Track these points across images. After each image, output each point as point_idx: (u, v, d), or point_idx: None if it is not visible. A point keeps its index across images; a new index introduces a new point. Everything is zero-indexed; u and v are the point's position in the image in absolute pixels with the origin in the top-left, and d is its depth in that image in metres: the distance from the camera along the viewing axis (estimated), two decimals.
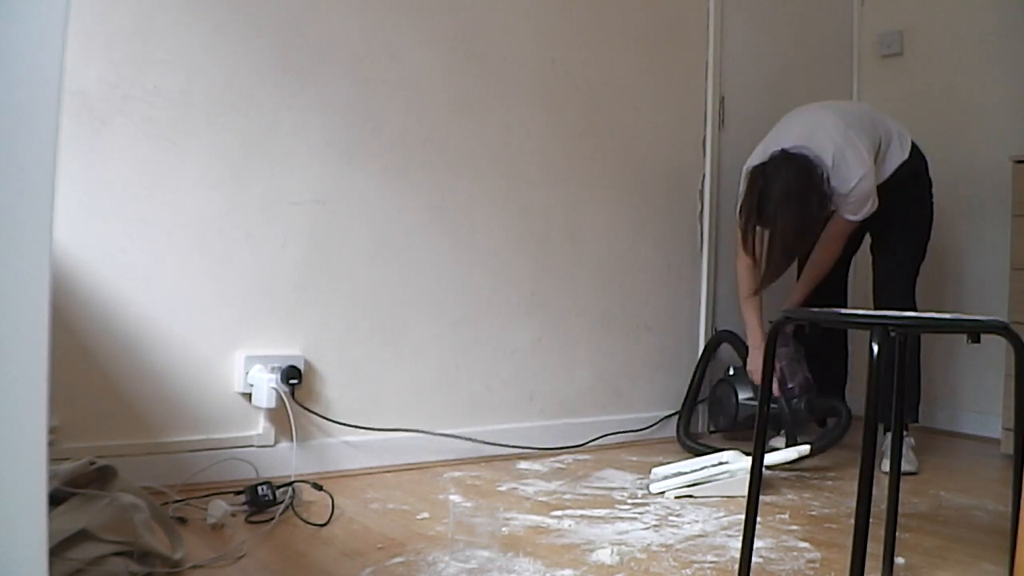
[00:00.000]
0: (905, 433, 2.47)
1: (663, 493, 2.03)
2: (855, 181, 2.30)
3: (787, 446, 2.39)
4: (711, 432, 2.94)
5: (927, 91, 3.39)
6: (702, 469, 2.07)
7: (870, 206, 2.38)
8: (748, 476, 1.95)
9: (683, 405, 2.84)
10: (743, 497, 1.95)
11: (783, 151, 2.30)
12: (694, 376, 2.90)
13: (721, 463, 2.09)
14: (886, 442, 2.42)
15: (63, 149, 1.76)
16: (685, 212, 3.02)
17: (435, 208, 2.36)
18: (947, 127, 3.24)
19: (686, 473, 2.06)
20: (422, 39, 2.33)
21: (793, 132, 2.38)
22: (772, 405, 2.66)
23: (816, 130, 2.35)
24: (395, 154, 2.28)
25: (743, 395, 2.76)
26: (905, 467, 2.33)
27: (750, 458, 1.99)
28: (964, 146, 3.20)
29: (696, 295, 3.05)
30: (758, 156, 2.42)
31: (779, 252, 2.29)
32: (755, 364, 2.65)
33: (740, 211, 2.37)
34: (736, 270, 2.64)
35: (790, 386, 2.67)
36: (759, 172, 2.30)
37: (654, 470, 2.16)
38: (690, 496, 2.01)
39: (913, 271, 2.56)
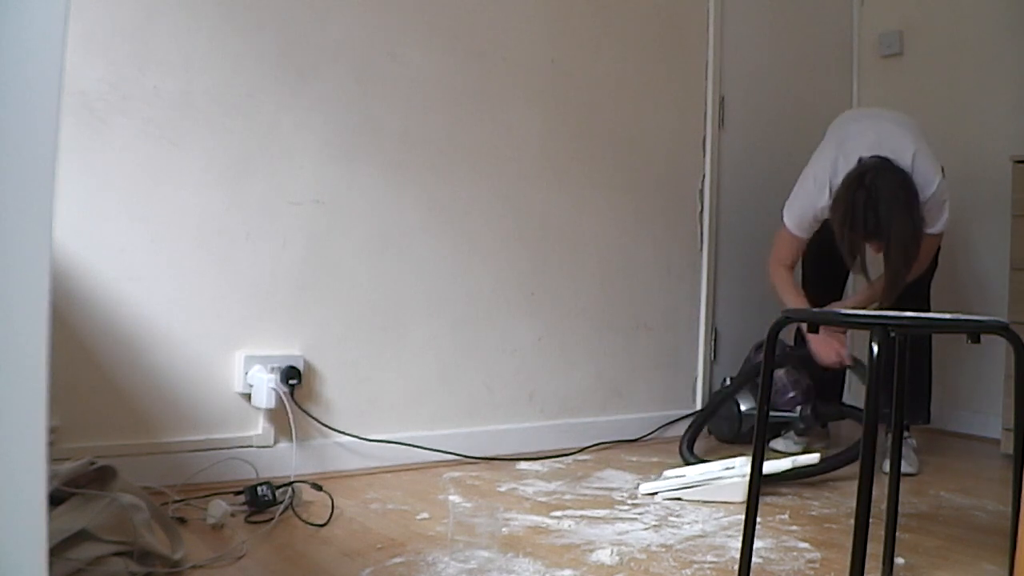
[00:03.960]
0: (907, 434, 2.47)
1: (655, 495, 2.02)
2: (933, 186, 2.22)
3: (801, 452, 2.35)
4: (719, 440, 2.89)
5: (927, 91, 3.39)
6: (706, 474, 2.05)
7: (946, 215, 2.31)
8: (738, 481, 1.96)
9: (694, 421, 2.69)
10: (734, 503, 1.95)
11: (879, 158, 2.18)
12: (707, 409, 2.76)
13: (728, 468, 2.06)
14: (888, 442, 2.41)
15: (63, 149, 1.76)
16: (685, 212, 3.02)
17: (435, 208, 2.36)
18: (947, 127, 3.24)
19: (685, 476, 2.05)
20: (422, 39, 2.33)
21: (865, 139, 2.27)
22: (779, 414, 2.66)
23: (883, 137, 2.26)
24: (395, 154, 2.28)
25: (745, 406, 2.74)
26: (905, 468, 2.32)
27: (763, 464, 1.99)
28: (964, 146, 3.20)
29: (696, 295, 3.05)
30: (827, 169, 2.31)
31: (900, 260, 2.14)
32: (822, 346, 2.44)
33: (844, 227, 2.17)
34: (775, 280, 2.49)
35: (792, 394, 2.66)
36: (857, 183, 2.15)
37: (664, 473, 2.14)
38: (679, 499, 1.99)
39: (929, 280, 2.54)
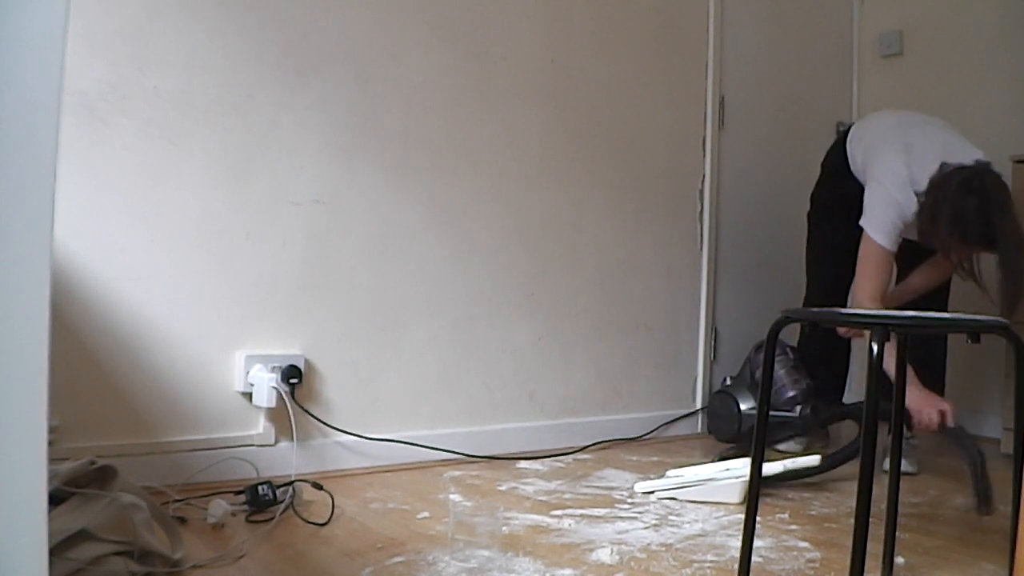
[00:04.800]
0: (909, 434, 2.46)
1: (651, 493, 2.01)
2: None
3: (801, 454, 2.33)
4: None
5: (927, 91, 3.39)
6: (702, 474, 2.04)
7: None
8: (734, 482, 1.95)
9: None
10: (731, 504, 1.94)
11: (979, 162, 2.09)
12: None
13: (728, 470, 2.05)
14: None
15: (63, 149, 1.76)
16: (685, 212, 3.02)
17: (435, 208, 2.36)
18: None
19: (683, 476, 2.04)
20: (422, 39, 2.33)
21: (932, 144, 2.19)
22: (778, 414, 2.65)
23: (949, 142, 2.20)
24: (395, 154, 2.28)
25: (744, 405, 2.74)
26: (905, 467, 2.32)
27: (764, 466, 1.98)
28: None
29: (696, 295, 3.05)
30: (903, 174, 2.19)
31: (1021, 265, 2.01)
32: (921, 404, 2.14)
33: (954, 236, 2.05)
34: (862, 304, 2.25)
35: (792, 394, 2.65)
36: (965, 188, 2.02)
37: (667, 472, 2.14)
38: (674, 499, 1.97)
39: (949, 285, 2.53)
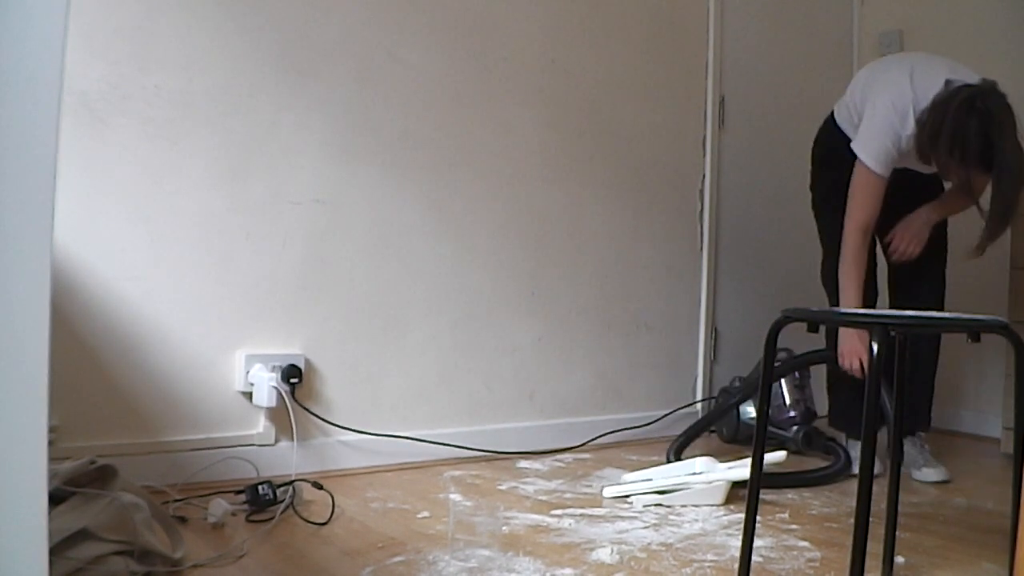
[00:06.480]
0: (920, 438, 2.44)
1: (625, 497, 1.95)
2: None
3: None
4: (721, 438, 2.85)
5: None
6: (673, 477, 1.99)
7: None
8: (713, 486, 1.94)
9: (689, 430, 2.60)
10: (714, 505, 1.93)
11: (985, 81, 2.00)
12: (704, 421, 2.64)
13: (695, 472, 2.01)
14: (909, 448, 2.36)
15: (63, 149, 1.76)
16: (685, 212, 3.02)
17: (435, 208, 2.36)
18: None
19: (652, 480, 1.99)
20: (422, 39, 2.33)
21: (938, 71, 2.08)
22: (774, 431, 2.63)
23: (955, 69, 2.10)
24: (395, 154, 2.28)
25: (745, 412, 2.72)
26: (935, 476, 2.27)
27: (724, 466, 1.97)
28: None
29: (696, 295, 3.05)
30: (906, 96, 2.08)
31: (1012, 190, 1.93)
32: (849, 344, 2.20)
33: (953, 157, 1.96)
34: (848, 269, 2.21)
35: (792, 415, 2.64)
36: (967, 107, 1.94)
37: (623, 476, 2.12)
38: (658, 504, 1.92)
39: (944, 265, 2.48)
